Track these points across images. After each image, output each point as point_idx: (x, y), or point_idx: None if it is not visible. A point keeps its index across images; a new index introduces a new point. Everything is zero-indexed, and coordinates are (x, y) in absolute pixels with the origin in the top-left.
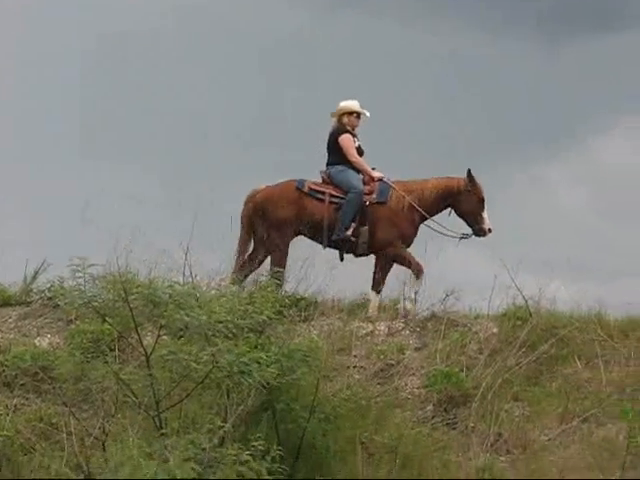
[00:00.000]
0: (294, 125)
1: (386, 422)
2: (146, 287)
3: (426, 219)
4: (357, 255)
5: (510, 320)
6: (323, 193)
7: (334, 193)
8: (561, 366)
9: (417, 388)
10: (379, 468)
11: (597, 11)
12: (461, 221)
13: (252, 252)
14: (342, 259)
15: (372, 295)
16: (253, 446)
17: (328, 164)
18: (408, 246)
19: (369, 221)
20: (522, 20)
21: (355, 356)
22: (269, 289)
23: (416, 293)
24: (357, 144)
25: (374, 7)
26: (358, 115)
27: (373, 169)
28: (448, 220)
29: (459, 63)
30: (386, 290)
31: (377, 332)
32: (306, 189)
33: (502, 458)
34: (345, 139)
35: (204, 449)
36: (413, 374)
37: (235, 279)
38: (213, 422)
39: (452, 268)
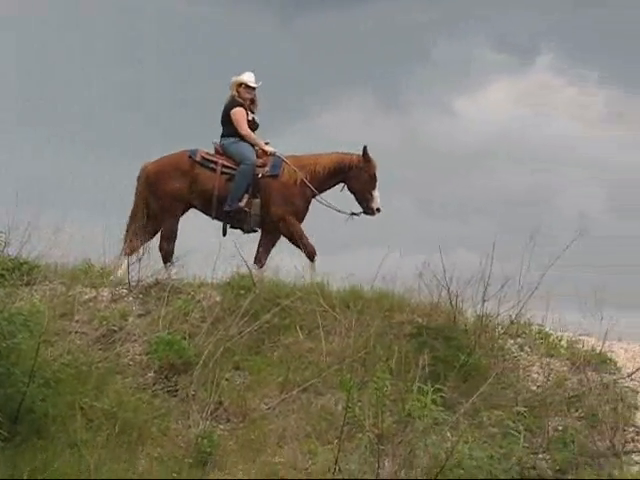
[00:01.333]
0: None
1: (107, 388)
2: None
3: (315, 195)
4: (246, 231)
5: (234, 289)
6: (215, 163)
7: (226, 164)
8: (283, 336)
9: (139, 355)
10: (98, 434)
11: None
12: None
13: (145, 224)
14: (225, 234)
15: (254, 268)
16: None
17: (222, 136)
18: (300, 222)
19: (261, 194)
20: None
21: (77, 321)
22: None
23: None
24: (251, 117)
25: None
26: (248, 87)
27: (267, 143)
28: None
29: (192, 31)
30: (109, 258)
31: (100, 298)
32: (198, 158)
33: (222, 426)
34: (237, 112)
35: None
36: (135, 341)
37: (126, 251)
38: None
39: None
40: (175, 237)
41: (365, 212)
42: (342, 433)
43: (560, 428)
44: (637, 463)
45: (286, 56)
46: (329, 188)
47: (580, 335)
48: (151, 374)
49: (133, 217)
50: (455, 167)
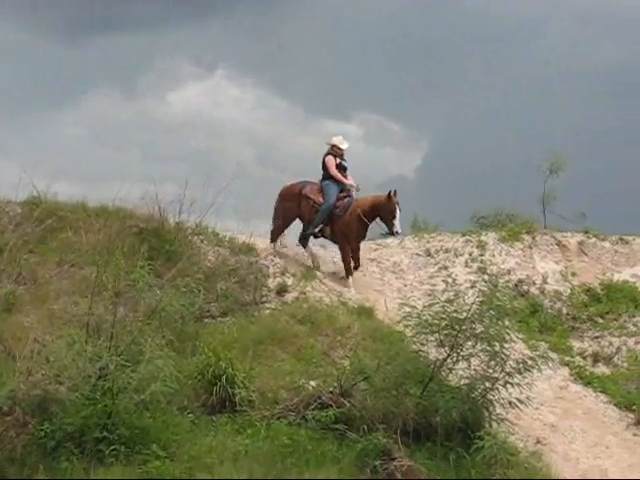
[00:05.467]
0: None
1: None
2: None
3: (367, 225)
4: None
5: (27, 205)
6: (310, 199)
7: (316, 201)
8: (58, 233)
9: None
10: None
11: None
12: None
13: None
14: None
15: (349, 281)
16: None
17: (322, 179)
18: (359, 241)
19: (331, 225)
20: None
21: None
22: None
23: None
24: (338, 161)
25: None
26: (340, 148)
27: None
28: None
29: None
30: None
31: None
32: (304, 192)
33: (21, 287)
34: (328, 160)
35: None
36: None
37: (276, 238)
38: None
39: None
40: (284, 229)
41: (391, 234)
42: (94, 290)
43: (224, 288)
44: (268, 309)
45: None
46: (374, 219)
47: (238, 235)
48: None
49: (275, 219)
50: None
